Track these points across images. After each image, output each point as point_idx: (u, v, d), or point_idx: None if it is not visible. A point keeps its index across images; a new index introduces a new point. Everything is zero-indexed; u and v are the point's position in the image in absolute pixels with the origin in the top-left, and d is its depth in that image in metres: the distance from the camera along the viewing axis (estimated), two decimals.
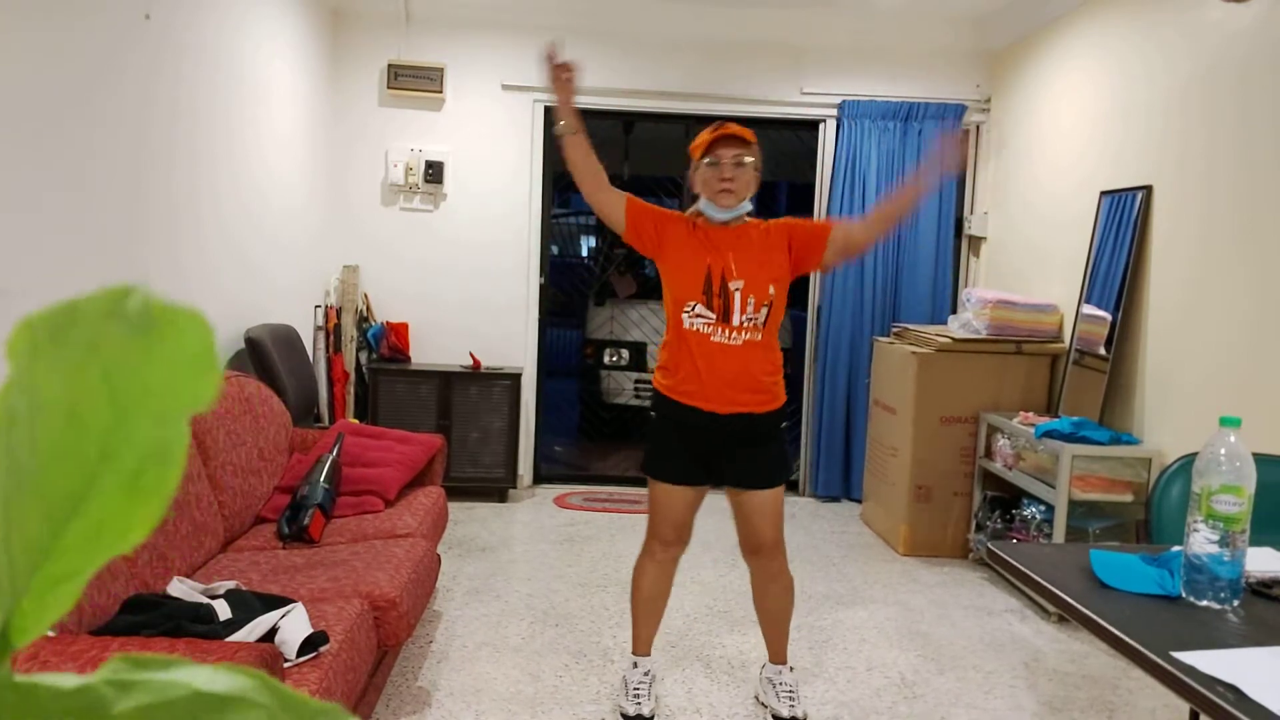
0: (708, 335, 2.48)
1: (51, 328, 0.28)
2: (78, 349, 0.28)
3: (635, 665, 2.75)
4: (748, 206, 2.55)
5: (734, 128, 2.52)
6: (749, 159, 2.52)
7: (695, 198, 2.60)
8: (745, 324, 2.48)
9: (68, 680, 0.28)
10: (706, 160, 2.52)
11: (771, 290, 2.50)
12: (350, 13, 4.99)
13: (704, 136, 2.54)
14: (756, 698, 2.83)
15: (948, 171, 2.56)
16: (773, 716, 2.69)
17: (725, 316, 2.47)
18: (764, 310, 2.49)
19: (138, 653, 0.29)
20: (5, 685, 0.28)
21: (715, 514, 3.83)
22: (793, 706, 2.67)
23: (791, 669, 2.79)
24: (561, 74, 2.55)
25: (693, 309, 2.49)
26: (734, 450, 2.56)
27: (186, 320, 0.28)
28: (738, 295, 2.47)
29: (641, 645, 2.76)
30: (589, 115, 5.21)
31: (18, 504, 0.28)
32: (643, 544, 2.72)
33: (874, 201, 5.16)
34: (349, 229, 5.10)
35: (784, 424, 2.65)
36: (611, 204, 2.57)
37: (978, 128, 5.34)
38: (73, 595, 0.29)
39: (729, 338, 2.48)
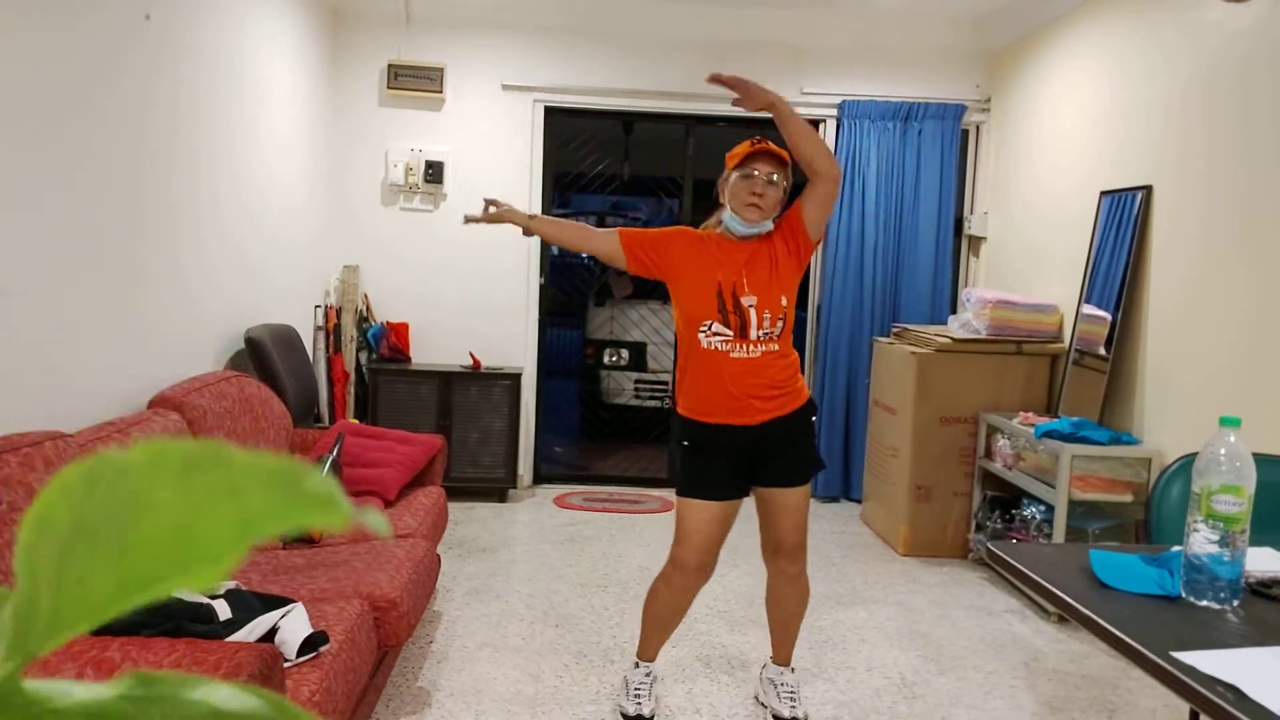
0: (727, 353, 2.47)
1: (185, 461, 0.30)
2: (213, 487, 0.29)
3: (637, 666, 2.75)
4: (768, 226, 2.53)
5: (773, 146, 2.49)
6: (780, 179, 2.49)
7: (718, 205, 2.58)
8: (763, 337, 2.48)
9: (81, 693, 0.28)
10: (741, 172, 2.48)
11: (784, 302, 2.50)
12: (350, 13, 5.00)
13: (743, 147, 2.51)
14: (756, 698, 2.83)
15: (744, 90, 2.41)
16: (773, 717, 2.69)
17: (743, 332, 2.46)
18: (779, 324, 2.49)
19: (154, 670, 0.30)
20: (15, 692, 0.28)
21: None
22: (794, 707, 2.67)
23: (793, 670, 2.79)
24: (493, 215, 2.61)
25: (709, 327, 2.47)
26: (770, 453, 2.55)
27: (345, 509, 0.30)
28: (753, 311, 2.46)
29: (648, 652, 2.75)
30: (589, 115, 5.26)
31: (83, 561, 0.29)
32: (662, 569, 2.64)
33: (873, 201, 5.17)
34: (349, 229, 5.10)
35: (814, 417, 2.64)
36: (606, 246, 2.57)
37: (978, 127, 5.34)
38: (99, 624, 0.30)
39: (748, 352, 2.47)
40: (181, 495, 0.29)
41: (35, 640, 0.29)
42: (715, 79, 2.39)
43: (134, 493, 0.29)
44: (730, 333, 2.46)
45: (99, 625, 0.29)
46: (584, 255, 9.34)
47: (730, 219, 2.52)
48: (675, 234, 2.59)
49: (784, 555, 2.64)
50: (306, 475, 0.30)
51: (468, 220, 2.65)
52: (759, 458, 2.56)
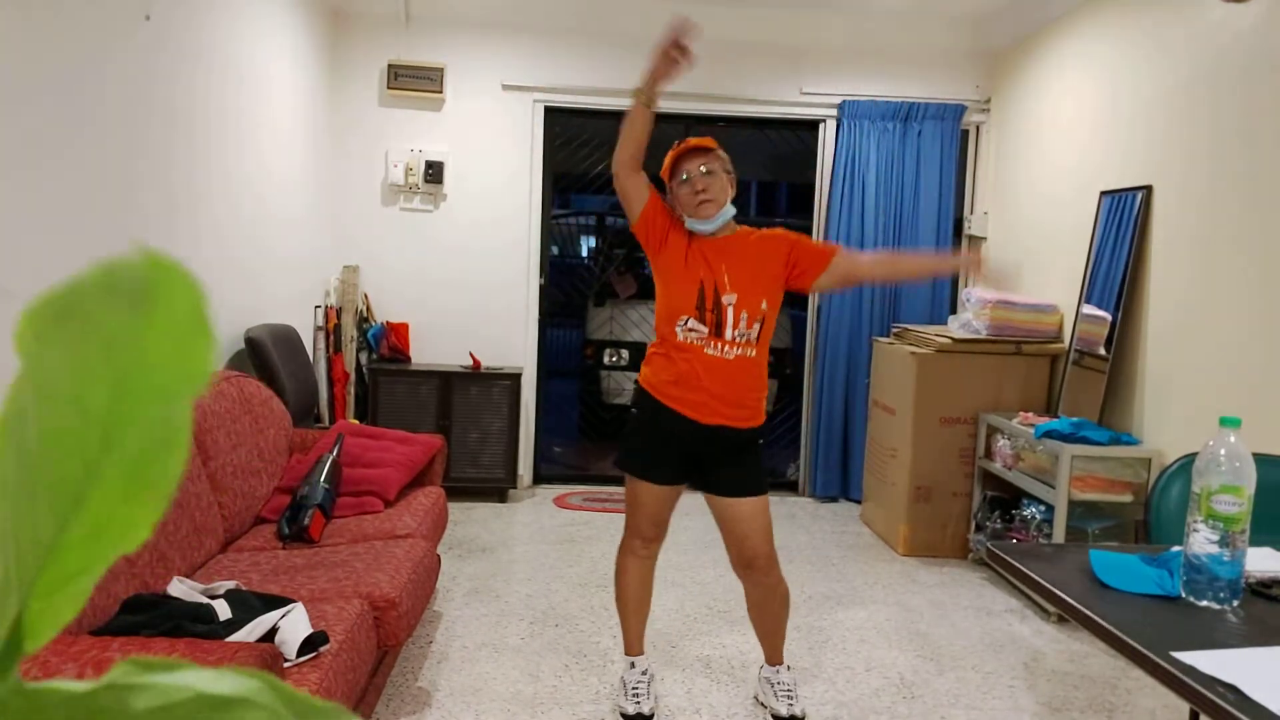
0: (700, 348, 2.49)
1: (54, 312, 0.27)
2: (79, 330, 0.27)
3: (632, 665, 2.76)
4: (730, 212, 2.55)
5: (692, 140, 2.55)
6: (715, 165, 2.52)
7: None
8: (738, 339, 2.48)
9: (77, 685, 0.28)
10: (677, 180, 2.53)
11: (764, 305, 2.50)
12: (350, 13, 5.00)
13: (667, 161, 2.57)
14: (755, 698, 2.83)
15: (969, 278, 2.57)
16: (772, 716, 2.69)
17: (718, 330, 2.48)
18: (756, 326, 2.50)
19: (143, 655, 0.29)
20: (16, 691, 0.28)
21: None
22: (791, 705, 2.68)
23: (789, 668, 2.79)
24: (678, 55, 2.43)
25: (685, 323, 2.50)
26: (711, 458, 2.57)
27: (179, 284, 0.27)
28: (730, 310, 2.48)
29: (633, 645, 2.77)
30: (589, 115, 5.25)
31: (26, 500, 0.28)
32: (621, 541, 2.73)
33: (873, 201, 5.17)
34: (349, 229, 5.10)
35: (761, 440, 2.64)
36: (636, 190, 2.56)
37: (978, 128, 5.34)
38: (81, 596, 0.29)
39: (721, 351, 2.48)
40: (61, 354, 0.27)
41: (10, 612, 0.28)
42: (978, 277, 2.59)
43: (35, 376, 0.27)
44: (705, 329, 2.48)
45: (65, 589, 0.28)
46: (584, 255, 9.35)
47: (693, 224, 2.54)
48: (679, 224, 2.61)
49: (756, 568, 2.64)
50: (121, 265, 0.27)
51: (676, 30, 2.40)
52: (699, 456, 2.57)
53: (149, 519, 0.28)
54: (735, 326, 2.48)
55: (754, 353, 2.51)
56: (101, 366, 0.27)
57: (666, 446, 2.58)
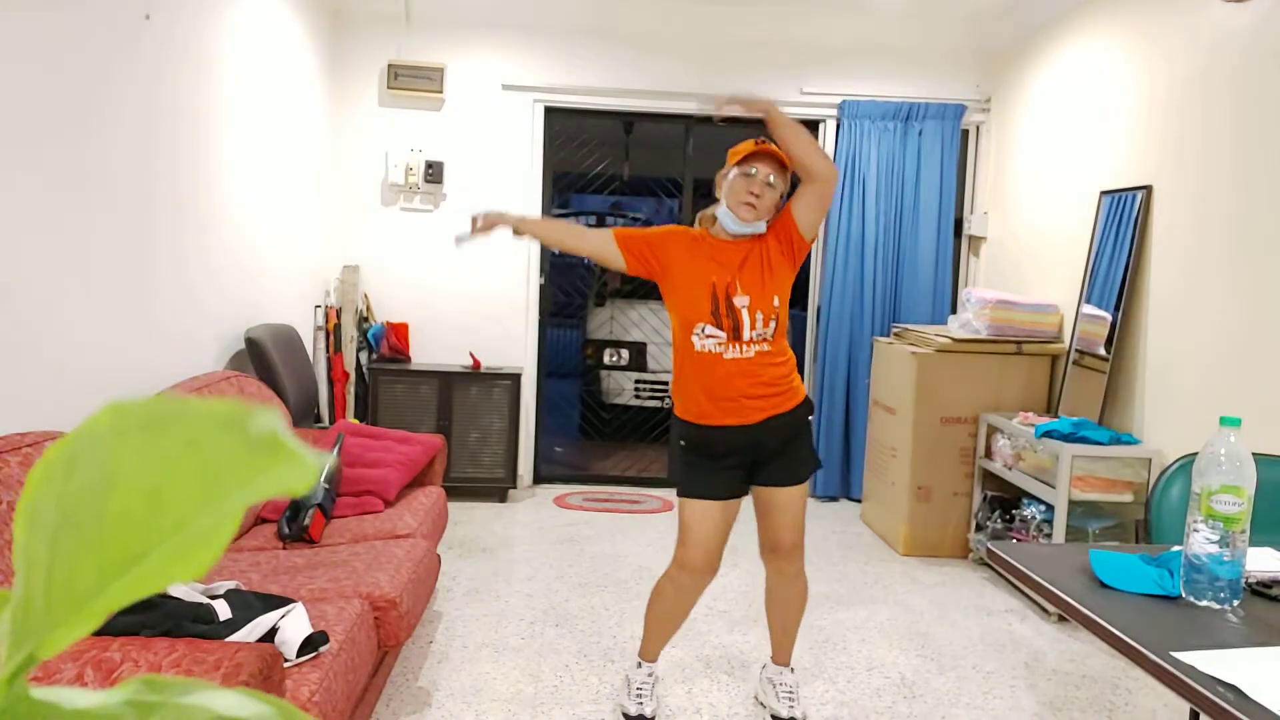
0: (720, 354, 2.47)
1: (145, 418, 0.30)
2: (175, 444, 0.29)
3: (640, 666, 2.75)
4: (761, 227, 2.53)
5: (776, 149, 2.50)
6: (778, 182, 2.50)
7: (714, 201, 2.59)
8: (755, 338, 2.47)
9: (86, 699, 0.28)
10: (741, 169, 2.49)
11: (776, 302, 2.49)
12: (350, 13, 5.00)
13: (746, 145, 2.52)
14: (756, 698, 2.83)
15: (745, 103, 2.43)
16: (772, 717, 2.69)
17: (736, 334, 2.46)
18: (772, 324, 2.49)
19: (157, 675, 0.30)
20: (23, 700, 0.28)
21: None
22: (792, 707, 2.68)
23: (793, 670, 2.79)
24: (481, 227, 2.56)
25: (702, 330, 2.47)
26: (768, 452, 2.55)
27: (304, 454, 0.30)
28: (745, 312, 2.46)
29: (650, 653, 2.75)
30: (589, 115, 5.25)
31: (71, 549, 0.29)
32: (667, 569, 2.65)
33: (873, 201, 5.17)
34: (349, 229, 5.10)
35: (810, 416, 2.63)
36: (601, 247, 2.56)
37: (978, 128, 5.34)
38: (100, 621, 0.30)
39: (741, 352, 2.47)
40: (145, 456, 0.29)
41: (33, 639, 0.28)
42: (718, 106, 2.42)
43: (104, 463, 0.29)
44: (723, 334, 2.46)
45: (93, 620, 0.29)
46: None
47: (725, 215, 2.52)
48: (670, 233, 2.59)
49: (782, 555, 2.64)
50: (253, 415, 0.30)
51: (459, 241, 2.64)
52: (757, 458, 2.56)
53: (188, 577, 0.29)
54: (753, 327, 2.46)
55: (770, 347, 2.50)
56: (194, 480, 0.29)
57: (722, 462, 2.54)
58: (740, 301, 2.47)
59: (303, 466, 0.30)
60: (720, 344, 2.47)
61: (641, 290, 6.94)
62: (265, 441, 0.30)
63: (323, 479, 3.07)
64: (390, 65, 4.98)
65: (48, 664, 1.65)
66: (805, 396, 2.61)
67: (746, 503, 2.64)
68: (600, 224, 8.48)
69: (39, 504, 0.30)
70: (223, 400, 0.30)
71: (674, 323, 2.56)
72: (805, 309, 5.45)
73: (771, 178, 2.48)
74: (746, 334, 2.46)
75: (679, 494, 2.60)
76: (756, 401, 2.49)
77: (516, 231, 2.58)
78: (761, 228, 2.53)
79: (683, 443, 2.61)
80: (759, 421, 2.50)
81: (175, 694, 0.29)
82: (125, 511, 0.29)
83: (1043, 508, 3.75)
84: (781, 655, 2.78)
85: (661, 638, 2.73)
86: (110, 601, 0.29)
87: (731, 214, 2.50)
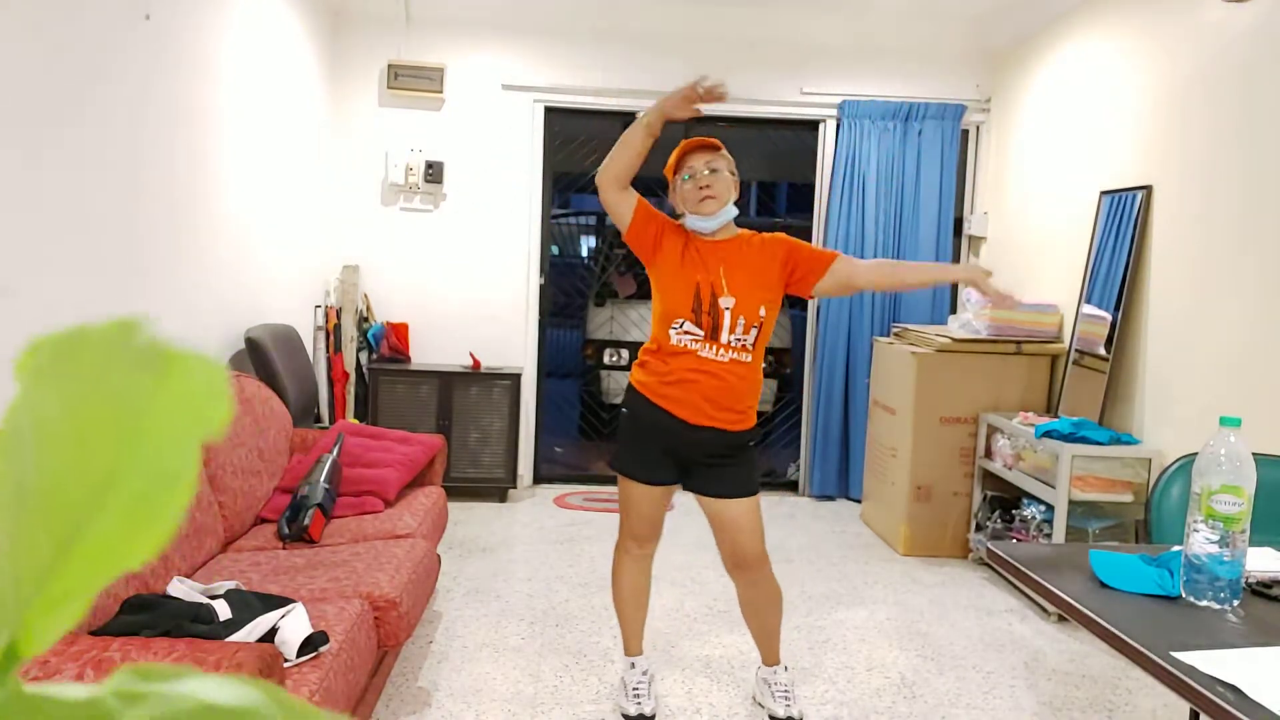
0: (695, 351, 2.47)
1: (57, 352, 0.28)
2: (84, 374, 0.28)
3: (632, 666, 2.75)
4: (732, 212, 2.53)
5: (699, 139, 2.55)
6: (721, 164, 2.52)
7: (680, 217, 2.60)
8: (733, 343, 2.46)
9: (76, 691, 0.28)
10: (681, 176, 2.53)
11: (762, 312, 2.48)
12: (350, 13, 5.00)
13: (672, 157, 2.57)
14: (754, 698, 2.83)
15: (990, 302, 2.53)
16: (769, 717, 2.69)
17: (714, 334, 2.46)
18: (753, 331, 2.48)
19: (145, 663, 0.29)
20: (14, 697, 0.28)
21: None
22: (788, 706, 2.67)
23: (786, 668, 2.79)
24: (698, 98, 2.42)
25: (681, 326, 2.47)
26: (702, 459, 2.56)
27: (195, 359, 0.28)
28: (727, 314, 2.45)
29: (632, 645, 2.77)
30: (589, 115, 5.26)
31: (24, 523, 0.28)
32: (616, 543, 2.73)
33: (873, 201, 5.17)
34: (349, 229, 5.10)
35: (752, 443, 2.62)
36: (623, 201, 2.55)
37: (978, 128, 5.34)
38: (80, 610, 0.29)
39: (716, 354, 2.46)
40: (63, 397, 0.28)
41: (9, 628, 0.28)
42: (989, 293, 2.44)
43: (33, 414, 0.28)
44: (700, 332, 2.46)
45: (63, 604, 0.29)
46: (584, 254, 9.35)
47: (694, 221, 2.53)
48: (672, 227, 2.59)
49: (747, 568, 2.63)
50: (136, 329, 0.28)
51: (704, 87, 2.38)
52: (689, 457, 2.56)
53: (152, 545, 0.28)
54: (732, 331, 2.45)
55: (749, 358, 2.49)
56: (107, 412, 0.28)
57: (656, 445, 2.56)
58: (725, 303, 2.46)
59: (203, 376, 0.27)
60: (696, 341, 2.46)
61: (643, 291, 6.94)
62: (149, 354, 0.28)
63: (323, 479, 3.07)
64: (390, 65, 4.98)
65: (47, 664, 1.65)
66: (755, 423, 2.60)
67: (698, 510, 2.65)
68: (600, 223, 8.48)
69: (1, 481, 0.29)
70: (116, 318, 0.28)
71: (655, 311, 2.57)
72: (805, 309, 5.45)
73: (709, 165, 2.50)
74: (724, 336, 2.45)
75: (614, 467, 2.65)
76: (707, 406, 2.47)
77: (648, 126, 2.44)
78: (733, 211, 2.53)
79: (627, 410, 2.62)
80: (701, 426, 2.49)
81: (162, 682, 0.28)
82: (58, 464, 0.28)
83: (1043, 508, 3.75)
84: (770, 656, 2.77)
85: (636, 623, 2.76)
86: (75, 580, 0.28)
87: (698, 215, 2.51)
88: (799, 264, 2.54)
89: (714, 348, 2.46)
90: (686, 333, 2.47)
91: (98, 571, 0.28)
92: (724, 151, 2.55)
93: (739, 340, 2.46)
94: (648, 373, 2.56)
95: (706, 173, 2.49)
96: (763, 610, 2.71)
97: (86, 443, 0.28)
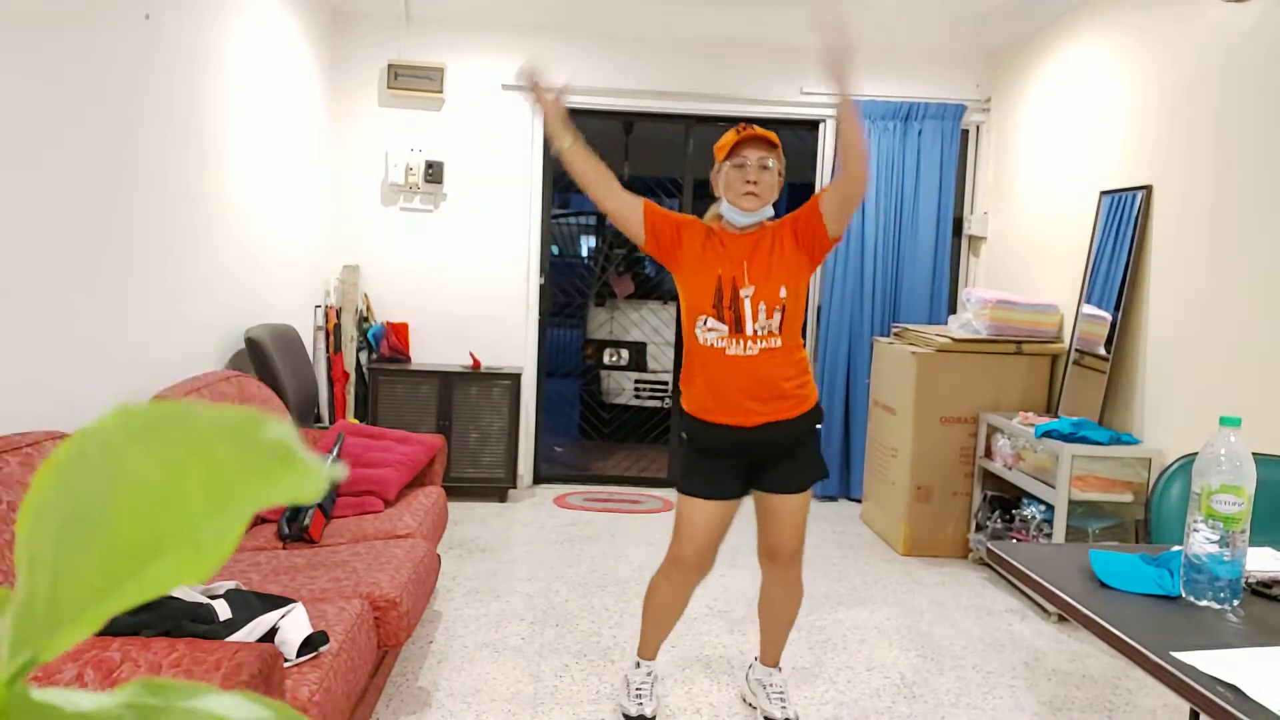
0: (722, 349, 2.42)
1: (155, 421, 0.30)
2: (183, 447, 0.30)
3: (639, 665, 2.74)
4: (769, 212, 2.49)
5: (760, 130, 2.45)
6: (773, 163, 2.46)
7: (714, 199, 2.57)
8: (760, 332, 2.41)
9: (85, 700, 0.28)
10: (731, 162, 2.46)
11: (783, 293, 2.42)
12: (350, 13, 5.00)
13: (729, 137, 2.48)
14: (743, 698, 2.82)
15: (837, 58, 2.29)
16: (764, 718, 2.68)
17: (738, 327, 2.41)
18: (777, 315, 2.42)
19: (159, 678, 0.30)
20: (23, 702, 0.28)
21: None
22: (784, 708, 2.66)
23: (780, 670, 2.78)
24: (545, 94, 2.44)
25: (705, 323, 2.43)
26: (769, 460, 2.52)
27: (310, 462, 0.31)
28: (748, 303, 2.40)
29: (648, 650, 2.74)
30: (589, 115, 5.26)
31: (78, 550, 0.29)
32: (662, 564, 2.64)
33: (873, 201, 5.17)
34: (349, 229, 5.10)
35: (818, 425, 2.58)
36: (628, 211, 2.49)
37: (978, 128, 5.34)
38: (101, 624, 0.30)
39: (744, 349, 2.41)
40: (152, 459, 0.29)
41: (36, 640, 0.28)
42: (828, 30, 2.27)
43: (112, 465, 0.29)
44: (724, 328, 2.42)
45: (95, 623, 0.29)
46: (584, 254, 9.35)
47: (729, 210, 2.48)
48: (689, 223, 2.54)
49: (780, 562, 2.62)
50: (264, 424, 0.30)
51: (518, 76, 2.45)
52: (758, 461, 2.53)
53: (196, 579, 0.29)
54: (755, 319, 2.40)
55: (779, 342, 2.42)
56: (201, 483, 0.30)
57: (721, 461, 2.51)
58: (745, 292, 2.41)
59: (313, 477, 0.30)
60: (722, 338, 2.42)
61: (642, 291, 6.94)
62: (277, 450, 0.30)
63: None
64: (390, 65, 4.98)
65: (48, 664, 1.65)
66: (815, 403, 2.54)
67: (748, 503, 2.63)
68: (600, 223, 8.48)
69: (45, 503, 0.30)
70: (234, 406, 0.31)
71: (682, 313, 2.53)
72: (805, 309, 5.44)
73: (765, 160, 2.44)
74: (749, 327, 2.40)
75: (679, 489, 2.58)
76: (754, 404, 2.43)
77: (560, 147, 2.45)
78: (769, 212, 2.50)
79: (684, 436, 2.59)
80: (757, 425, 2.45)
81: (176, 697, 0.29)
82: (132, 513, 0.29)
83: (1043, 508, 3.75)
84: (771, 657, 2.77)
85: (658, 635, 2.72)
86: (114, 604, 0.29)
87: (735, 207, 2.46)
88: (803, 227, 2.46)
89: (740, 342, 2.41)
90: (711, 329, 2.43)
91: (139, 597, 0.29)
92: (780, 151, 2.49)
93: (764, 328, 2.41)
94: (690, 393, 2.52)
95: (758, 168, 2.43)
96: (782, 608, 2.70)
97: (171, 500, 0.30)
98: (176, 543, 0.29)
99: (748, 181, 2.43)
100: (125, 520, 0.29)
